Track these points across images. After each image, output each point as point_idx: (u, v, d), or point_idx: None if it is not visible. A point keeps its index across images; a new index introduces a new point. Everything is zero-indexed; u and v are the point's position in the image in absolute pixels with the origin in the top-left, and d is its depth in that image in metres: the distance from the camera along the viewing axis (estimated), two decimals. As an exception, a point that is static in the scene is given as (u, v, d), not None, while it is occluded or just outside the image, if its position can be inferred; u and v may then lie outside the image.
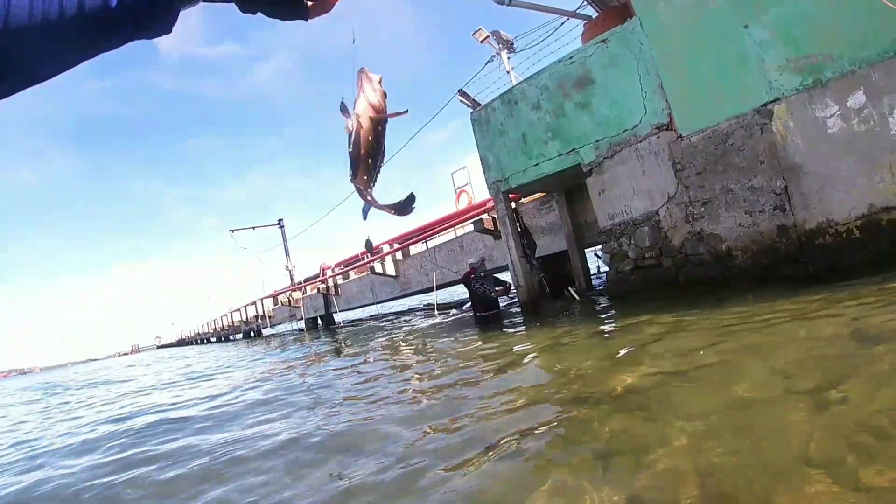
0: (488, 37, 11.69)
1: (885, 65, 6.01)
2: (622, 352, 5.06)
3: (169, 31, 0.82)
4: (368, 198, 1.68)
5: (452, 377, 5.67)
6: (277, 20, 0.92)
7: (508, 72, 12.04)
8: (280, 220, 36.19)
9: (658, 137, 7.86)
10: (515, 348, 6.81)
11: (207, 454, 4.52)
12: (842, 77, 6.30)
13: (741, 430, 2.62)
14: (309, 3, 0.92)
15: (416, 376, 6.28)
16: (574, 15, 10.99)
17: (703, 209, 7.50)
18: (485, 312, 10.05)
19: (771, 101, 6.81)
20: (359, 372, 7.64)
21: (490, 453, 3.07)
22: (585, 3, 10.69)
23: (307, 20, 0.95)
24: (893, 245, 5.97)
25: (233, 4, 0.89)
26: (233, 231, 36.82)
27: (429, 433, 3.79)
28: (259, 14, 0.92)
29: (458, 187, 21.82)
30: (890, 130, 6.05)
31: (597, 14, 10.91)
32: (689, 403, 3.16)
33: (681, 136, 7.62)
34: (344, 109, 1.63)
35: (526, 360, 5.81)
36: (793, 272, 6.57)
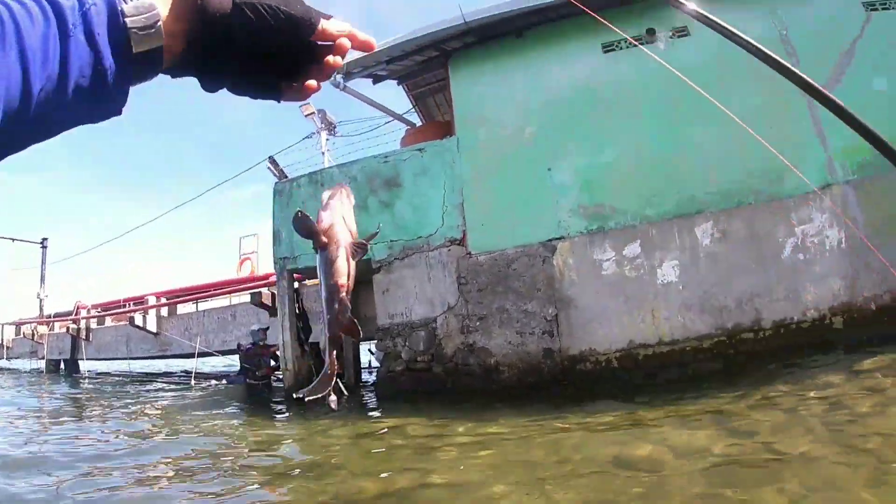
0: (314, 113, 11.34)
1: (662, 224, 6.69)
2: (378, 455, 4.72)
3: (119, 112, 0.65)
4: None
5: (196, 468, 4.73)
6: (247, 97, 0.79)
7: (324, 153, 11.68)
8: (44, 238, 30.90)
9: (449, 250, 7.83)
10: (271, 439, 6.06)
11: None
12: (623, 228, 6.88)
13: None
14: (285, 86, 0.78)
15: (150, 461, 5.21)
16: (400, 118, 11.09)
17: (478, 323, 7.47)
18: (255, 381, 10.09)
19: (557, 238, 7.16)
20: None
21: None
22: (414, 109, 10.87)
23: (280, 101, 0.81)
24: (647, 377, 6.40)
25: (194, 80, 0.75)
26: (-16, 237, 30.84)
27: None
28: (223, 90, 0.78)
29: (244, 254, 20.25)
30: (657, 279, 6.67)
31: (421, 123, 11.15)
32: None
33: (470, 253, 7.67)
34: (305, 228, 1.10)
35: (279, 455, 5.19)
36: (558, 391, 6.70)
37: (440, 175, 8.07)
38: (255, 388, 9.97)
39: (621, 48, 7.53)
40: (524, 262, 7.35)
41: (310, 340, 9.87)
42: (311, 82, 0.79)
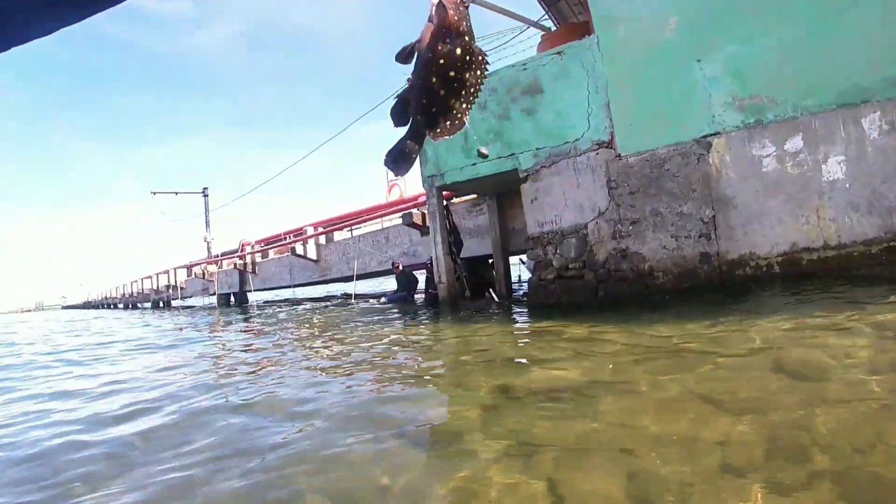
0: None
1: (825, 115, 5.96)
2: (533, 355, 4.73)
3: None
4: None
5: (369, 360, 5.14)
6: None
7: (458, 70, 11.62)
8: (205, 188, 34.02)
9: (597, 154, 7.58)
10: (434, 338, 6.38)
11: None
12: (783, 121, 6.19)
13: (659, 440, 2.39)
14: None
15: (316, 357, 5.72)
16: (534, 24, 10.69)
17: (631, 228, 7.25)
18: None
19: (712, 134, 6.63)
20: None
21: (403, 438, 2.82)
22: (546, 15, 10.44)
23: None
24: (811, 284, 5.90)
25: None
26: (154, 193, 34.45)
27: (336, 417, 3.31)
28: None
29: (391, 180, 21.04)
30: (822, 177, 5.99)
31: (556, 27, 10.69)
32: (598, 409, 2.94)
33: (619, 155, 7.36)
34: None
35: (440, 352, 5.49)
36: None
37: (582, 77, 7.73)
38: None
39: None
40: (677, 161, 6.94)
41: (460, 255, 10.17)
42: None
